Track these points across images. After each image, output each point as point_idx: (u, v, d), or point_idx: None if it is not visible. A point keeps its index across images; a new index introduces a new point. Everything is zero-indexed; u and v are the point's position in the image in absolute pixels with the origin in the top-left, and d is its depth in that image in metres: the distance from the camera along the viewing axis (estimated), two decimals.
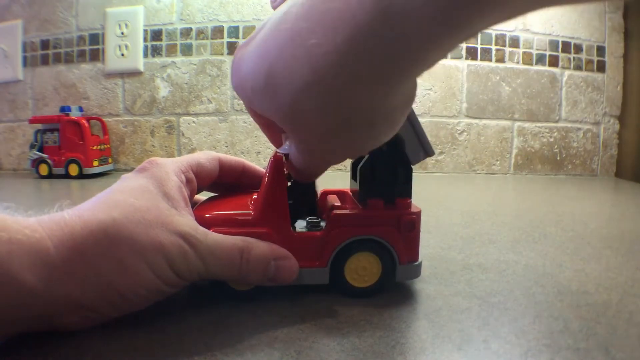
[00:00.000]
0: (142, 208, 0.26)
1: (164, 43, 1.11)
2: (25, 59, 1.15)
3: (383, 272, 0.32)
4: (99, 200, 0.26)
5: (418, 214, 0.32)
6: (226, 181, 0.36)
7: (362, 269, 0.31)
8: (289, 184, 0.34)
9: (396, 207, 0.32)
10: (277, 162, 0.30)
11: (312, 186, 0.34)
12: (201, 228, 0.28)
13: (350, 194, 0.38)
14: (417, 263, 0.33)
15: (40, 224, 0.24)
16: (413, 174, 0.33)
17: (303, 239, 0.31)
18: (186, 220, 0.27)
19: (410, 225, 0.31)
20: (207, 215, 0.31)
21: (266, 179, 0.31)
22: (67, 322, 0.24)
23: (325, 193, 0.38)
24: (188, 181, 0.31)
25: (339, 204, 0.36)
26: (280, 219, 0.30)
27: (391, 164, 0.32)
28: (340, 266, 0.31)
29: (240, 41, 1.10)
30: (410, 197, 0.33)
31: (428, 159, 1.11)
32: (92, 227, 0.24)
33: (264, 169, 0.34)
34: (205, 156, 0.34)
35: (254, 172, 0.37)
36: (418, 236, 0.33)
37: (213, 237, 0.28)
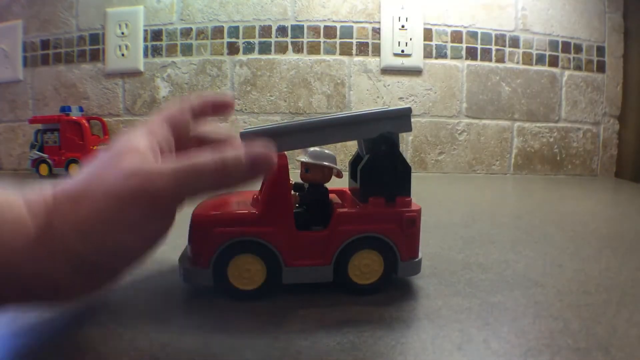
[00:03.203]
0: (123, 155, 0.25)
1: (164, 43, 1.11)
2: (25, 59, 1.15)
3: (385, 269, 0.32)
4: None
5: (418, 211, 0.33)
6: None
7: (365, 266, 0.32)
8: (302, 191, 0.34)
9: (397, 205, 0.32)
10: (280, 161, 0.30)
11: (325, 194, 0.34)
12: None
13: (349, 193, 0.38)
14: (417, 259, 0.33)
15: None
16: (412, 173, 0.33)
17: (307, 238, 0.31)
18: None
19: (411, 223, 0.32)
20: (210, 215, 0.31)
21: (269, 177, 0.31)
22: (68, 286, 0.24)
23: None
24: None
25: (339, 202, 0.36)
26: (285, 218, 0.31)
27: (390, 163, 0.33)
28: (344, 264, 0.31)
29: (240, 41, 1.10)
30: (409, 195, 0.33)
31: (428, 159, 1.11)
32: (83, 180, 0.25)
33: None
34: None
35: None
36: (418, 233, 0.33)
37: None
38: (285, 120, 0.32)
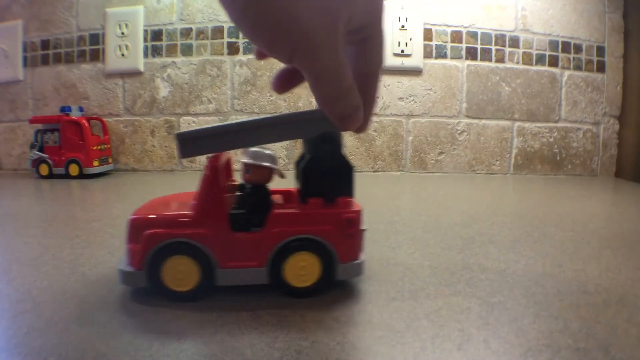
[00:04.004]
0: None
1: (164, 43, 1.11)
2: (25, 59, 1.15)
3: (323, 272, 0.31)
4: None
5: (358, 212, 0.32)
6: None
7: (302, 269, 0.31)
8: (241, 192, 0.34)
9: (336, 206, 0.32)
10: (213, 165, 0.31)
11: (266, 195, 0.34)
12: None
13: (296, 193, 0.37)
14: (358, 261, 0.32)
15: None
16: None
17: (242, 239, 0.31)
18: None
19: (349, 224, 0.31)
20: (144, 217, 0.31)
21: (203, 181, 0.31)
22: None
23: (272, 192, 0.37)
24: None
25: (282, 203, 0.36)
26: (218, 219, 0.30)
27: (331, 163, 0.32)
28: (280, 266, 0.31)
29: (240, 41, 1.10)
30: (351, 195, 0.33)
31: (428, 159, 1.11)
32: None
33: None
34: None
35: None
36: (359, 234, 0.32)
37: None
38: (228, 121, 0.31)
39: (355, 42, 0.27)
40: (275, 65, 1.09)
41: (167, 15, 1.10)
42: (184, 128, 1.12)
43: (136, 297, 0.31)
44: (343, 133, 0.32)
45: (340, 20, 0.24)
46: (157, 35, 1.11)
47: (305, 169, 0.32)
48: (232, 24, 1.10)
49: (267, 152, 0.33)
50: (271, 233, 0.31)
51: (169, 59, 1.11)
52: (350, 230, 0.31)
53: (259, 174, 0.33)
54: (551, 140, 1.14)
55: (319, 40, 0.24)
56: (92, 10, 1.12)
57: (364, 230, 0.35)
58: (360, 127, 0.29)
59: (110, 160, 1.09)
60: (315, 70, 0.25)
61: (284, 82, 0.31)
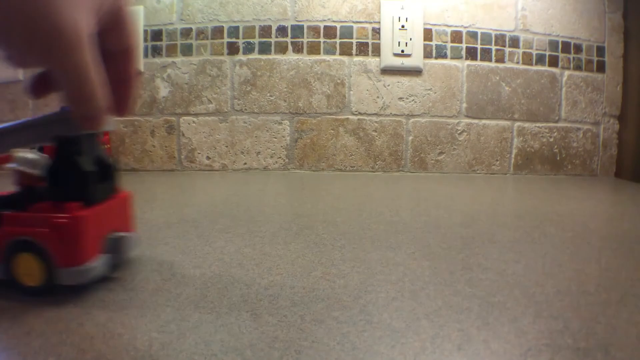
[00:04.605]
0: None
1: (164, 43, 1.11)
2: None
3: (44, 273, 0.32)
4: None
5: (76, 218, 0.32)
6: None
7: (29, 269, 0.32)
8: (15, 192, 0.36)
9: (57, 210, 0.32)
10: None
11: (29, 195, 0.35)
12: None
13: None
14: (80, 268, 0.32)
15: None
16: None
17: None
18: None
19: (62, 229, 0.31)
20: None
21: None
22: None
23: None
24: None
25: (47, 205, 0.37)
26: None
27: (60, 167, 0.33)
28: (10, 264, 0.32)
29: (240, 41, 1.10)
30: (84, 200, 0.33)
31: (428, 159, 1.11)
32: None
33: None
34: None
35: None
36: (80, 240, 0.32)
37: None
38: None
39: (106, 23, 0.28)
40: (276, 66, 1.09)
41: (167, 15, 1.10)
42: (184, 128, 1.12)
43: (135, 298, 0.31)
44: (98, 136, 0.34)
45: (86, 17, 0.25)
46: (157, 35, 1.11)
47: (46, 173, 0.34)
48: (232, 24, 1.10)
49: (29, 155, 0.35)
50: (2, 232, 0.32)
51: (169, 59, 1.11)
52: (63, 235, 0.31)
53: (15, 176, 0.36)
54: (551, 140, 1.14)
55: (66, 39, 0.24)
56: None
57: (123, 238, 0.36)
58: (122, 108, 0.30)
59: None
60: (63, 71, 0.26)
61: (39, 87, 0.32)
